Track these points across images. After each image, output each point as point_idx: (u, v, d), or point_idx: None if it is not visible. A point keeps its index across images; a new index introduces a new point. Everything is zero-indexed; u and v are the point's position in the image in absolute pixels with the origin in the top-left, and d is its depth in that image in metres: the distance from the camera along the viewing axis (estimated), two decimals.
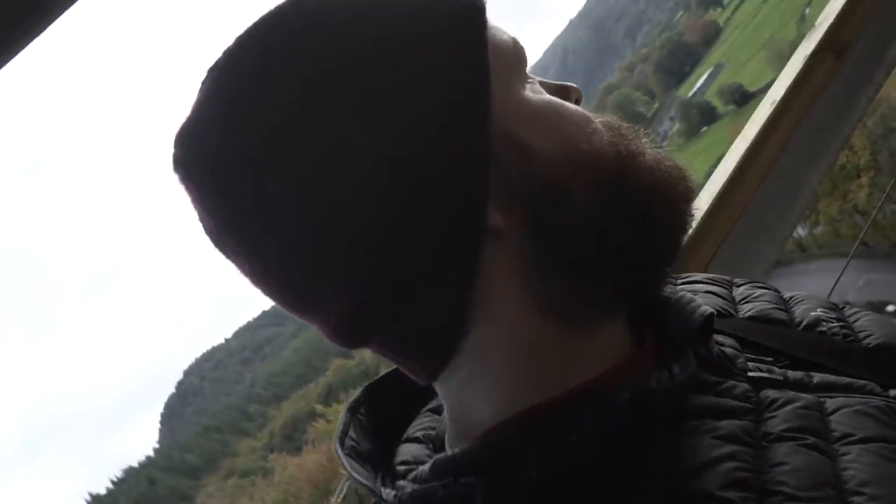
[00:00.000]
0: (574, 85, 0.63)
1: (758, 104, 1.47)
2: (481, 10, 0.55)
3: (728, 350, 0.60)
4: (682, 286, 0.77)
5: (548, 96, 0.58)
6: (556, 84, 0.62)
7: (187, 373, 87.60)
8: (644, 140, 0.59)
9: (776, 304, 0.71)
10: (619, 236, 0.54)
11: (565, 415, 0.52)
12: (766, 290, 0.74)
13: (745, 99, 44.74)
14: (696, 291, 0.74)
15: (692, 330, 0.57)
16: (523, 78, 0.57)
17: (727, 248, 1.35)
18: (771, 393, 0.55)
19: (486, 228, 0.52)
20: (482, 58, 0.53)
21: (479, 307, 0.53)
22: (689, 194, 0.59)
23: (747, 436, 0.50)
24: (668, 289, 0.64)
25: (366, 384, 0.69)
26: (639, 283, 0.57)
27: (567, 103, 0.58)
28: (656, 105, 62.92)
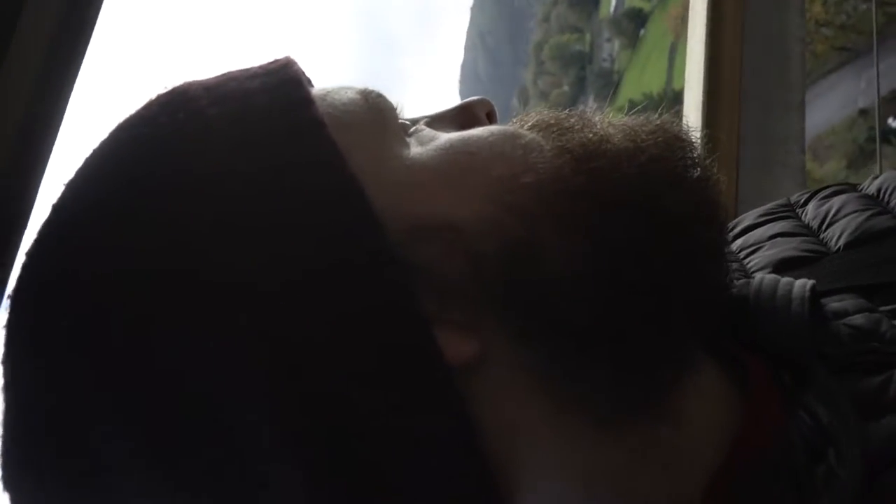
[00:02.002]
0: (476, 98, 0.45)
1: None
2: (294, 84, 0.38)
3: (858, 320, 0.41)
4: (738, 242, 0.59)
5: (445, 136, 0.40)
6: (453, 109, 0.44)
7: None
8: (597, 118, 0.41)
9: (867, 207, 0.52)
10: (638, 271, 0.36)
11: None
12: (840, 196, 0.55)
13: None
14: (759, 243, 0.56)
15: (802, 328, 0.38)
16: (398, 133, 0.39)
17: (748, 140, 1.17)
18: None
19: (452, 371, 0.33)
20: (326, 152, 0.35)
21: (510, 473, 0.35)
22: (693, 153, 0.41)
23: None
24: (738, 279, 0.45)
25: None
26: (700, 306, 0.38)
27: (474, 131, 0.40)
28: (588, 36, 62.58)
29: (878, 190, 0.53)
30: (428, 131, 0.40)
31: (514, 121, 0.43)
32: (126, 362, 0.33)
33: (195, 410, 0.32)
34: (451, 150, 0.38)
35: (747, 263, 0.55)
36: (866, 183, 0.56)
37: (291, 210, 0.33)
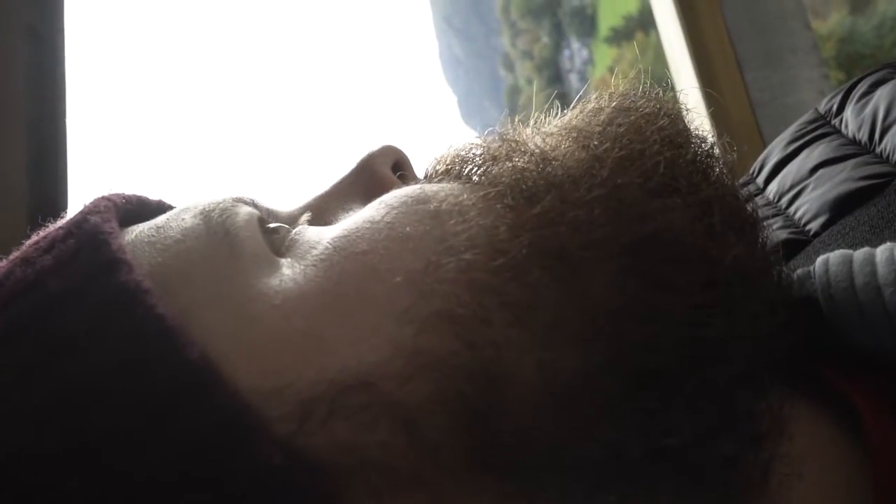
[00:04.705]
0: (374, 150, 0.34)
1: None
2: (96, 245, 0.27)
3: None
4: (772, 187, 0.46)
5: (328, 237, 0.27)
6: (348, 178, 0.33)
7: None
8: (528, 130, 0.29)
9: None
10: (656, 349, 0.24)
11: None
12: (885, 86, 0.42)
13: None
14: (801, 182, 0.43)
15: None
16: (262, 258, 0.27)
17: (742, 37, 1.04)
18: None
19: None
20: (152, 336, 0.23)
21: None
22: (677, 125, 0.29)
23: None
24: (797, 274, 0.33)
25: None
26: (760, 350, 0.26)
27: (365, 212, 0.28)
28: None
29: None
30: (309, 234, 0.28)
31: (427, 170, 0.31)
32: None
33: None
34: (335, 260, 0.26)
35: (794, 213, 0.43)
36: None
37: (124, 449, 0.22)
